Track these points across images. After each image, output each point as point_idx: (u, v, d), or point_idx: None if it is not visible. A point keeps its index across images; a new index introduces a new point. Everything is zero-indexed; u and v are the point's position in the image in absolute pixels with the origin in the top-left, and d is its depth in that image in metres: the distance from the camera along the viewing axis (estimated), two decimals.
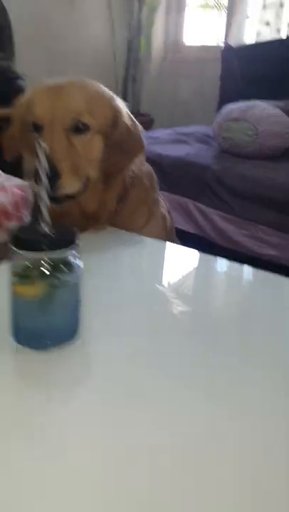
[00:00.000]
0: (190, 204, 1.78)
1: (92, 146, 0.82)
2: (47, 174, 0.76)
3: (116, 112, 0.83)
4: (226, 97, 2.81)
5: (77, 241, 0.52)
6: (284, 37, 2.74)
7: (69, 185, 0.77)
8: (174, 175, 1.81)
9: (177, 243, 1.11)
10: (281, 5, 2.72)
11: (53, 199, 0.78)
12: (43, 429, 0.43)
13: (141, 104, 3.13)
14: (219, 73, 2.87)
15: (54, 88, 0.83)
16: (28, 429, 0.43)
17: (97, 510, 0.36)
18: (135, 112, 3.06)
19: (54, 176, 0.74)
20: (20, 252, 0.51)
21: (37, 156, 0.50)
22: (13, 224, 1.74)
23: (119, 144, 0.83)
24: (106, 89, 0.86)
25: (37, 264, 0.51)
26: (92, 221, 0.88)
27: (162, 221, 1.02)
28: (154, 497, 0.37)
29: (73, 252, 0.52)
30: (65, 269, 0.52)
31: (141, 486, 0.38)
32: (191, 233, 1.73)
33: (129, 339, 0.57)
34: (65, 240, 0.52)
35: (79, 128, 0.80)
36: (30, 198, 1.82)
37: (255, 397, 0.48)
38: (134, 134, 0.86)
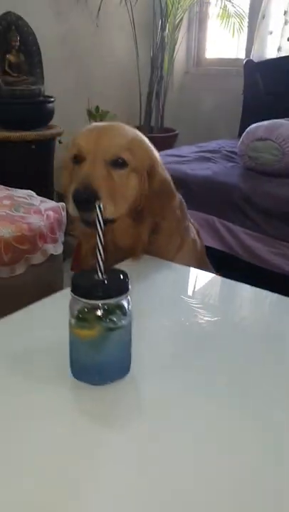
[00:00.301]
0: (217, 222, 1.83)
1: (128, 182, 0.88)
2: (87, 198, 0.82)
3: (153, 162, 0.91)
4: (249, 110, 2.85)
5: (129, 287, 0.58)
6: None
7: (107, 209, 0.83)
8: (202, 193, 1.86)
9: (208, 263, 1.16)
10: None
11: (89, 223, 0.85)
12: (92, 459, 0.48)
13: (165, 119, 3.19)
14: (241, 86, 2.92)
15: (98, 127, 0.92)
16: (83, 460, 0.47)
17: None
18: (160, 127, 3.14)
19: (94, 198, 0.81)
20: (79, 298, 0.57)
21: (97, 217, 0.56)
22: (48, 245, 1.81)
23: (157, 193, 0.90)
24: (145, 138, 0.94)
25: (93, 309, 0.57)
26: (126, 254, 0.94)
27: (193, 246, 1.07)
28: None
29: (127, 297, 0.58)
30: (118, 313, 0.58)
31: None
32: (219, 250, 1.77)
33: (177, 372, 0.62)
34: (119, 288, 0.57)
35: (118, 163, 0.87)
36: (64, 220, 1.89)
37: None
38: (168, 184, 0.94)
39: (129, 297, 0.59)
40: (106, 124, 0.94)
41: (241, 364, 0.64)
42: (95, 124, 0.94)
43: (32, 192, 1.85)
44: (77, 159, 0.89)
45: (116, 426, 0.54)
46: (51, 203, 1.78)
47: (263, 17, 2.87)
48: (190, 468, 0.47)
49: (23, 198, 1.77)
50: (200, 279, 0.93)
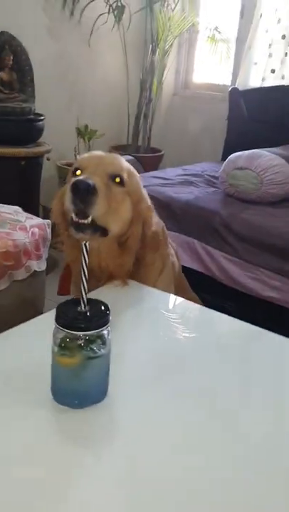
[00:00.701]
0: (197, 245, 1.90)
1: (123, 202, 0.92)
2: (86, 187, 0.83)
3: (142, 198, 0.96)
4: (233, 135, 2.96)
5: (109, 319, 0.64)
6: (287, 83, 2.89)
7: (101, 205, 0.84)
8: (184, 217, 1.94)
9: (185, 281, 1.22)
10: (286, 54, 2.88)
11: (77, 227, 0.86)
12: (76, 479, 0.52)
13: (151, 140, 3.28)
14: (225, 110, 3.03)
15: (100, 152, 0.97)
16: (62, 480, 0.51)
17: None
18: (146, 147, 3.22)
19: (91, 190, 0.83)
20: (62, 328, 0.62)
21: (82, 253, 0.62)
22: (32, 262, 1.85)
23: (145, 236, 0.95)
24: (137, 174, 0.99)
25: (75, 339, 0.63)
26: (111, 277, 0.99)
27: (172, 268, 1.13)
28: None
29: (107, 328, 0.64)
30: (98, 342, 0.63)
31: None
32: (199, 272, 1.84)
33: (154, 393, 0.67)
34: (100, 319, 0.63)
35: (117, 182, 0.91)
36: (49, 236, 1.93)
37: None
38: (157, 234, 0.97)
39: (109, 328, 0.64)
40: (101, 153, 0.98)
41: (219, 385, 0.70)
42: (96, 151, 1.00)
43: (19, 208, 1.90)
44: (77, 171, 0.92)
45: (94, 447, 0.58)
46: (37, 220, 1.82)
47: (249, 47, 3.00)
48: (168, 486, 0.52)
49: (10, 213, 1.81)
50: (178, 305, 0.99)
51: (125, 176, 0.92)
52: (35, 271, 1.72)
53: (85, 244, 0.63)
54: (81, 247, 0.63)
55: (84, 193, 0.83)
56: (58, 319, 0.62)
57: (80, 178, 0.85)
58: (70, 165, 2.84)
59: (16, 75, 2.35)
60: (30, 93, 2.38)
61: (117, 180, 0.91)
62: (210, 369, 0.75)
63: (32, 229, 1.74)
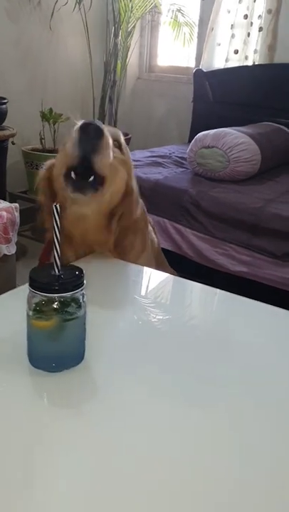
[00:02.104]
0: (168, 224, 1.91)
1: (121, 166, 0.89)
2: (95, 125, 0.82)
3: (131, 168, 0.95)
4: (199, 117, 2.98)
5: (84, 282, 0.64)
6: (251, 63, 2.93)
7: (108, 154, 0.82)
8: (153, 197, 1.94)
9: (164, 259, 1.23)
10: (248, 35, 2.91)
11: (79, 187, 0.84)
12: (53, 442, 0.51)
13: (118, 124, 3.26)
14: (190, 93, 3.04)
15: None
16: (40, 443, 0.51)
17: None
18: None
19: (101, 132, 0.80)
20: (37, 292, 0.62)
21: (54, 217, 0.61)
22: (1, 246, 1.82)
23: (128, 200, 0.93)
24: None
25: (50, 302, 0.62)
26: (90, 249, 0.98)
27: (152, 245, 1.13)
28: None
29: (81, 292, 0.64)
30: (73, 306, 0.63)
31: (139, 496, 0.46)
32: (171, 251, 1.86)
33: (127, 358, 0.68)
34: (74, 282, 0.63)
35: (115, 145, 0.89)
36: (18, 220, 1.91)
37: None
38: (137, 195, 0.97)
39: (84, 291, 0.64)
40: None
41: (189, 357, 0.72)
42: None
43: None
44: None
45: (73, 407, 0.58)
46: (4, 203, 1.79)
47: (212, 29, 3.01)
48: (144, 443, 0.53)
49: None
50: (157, 279, 0.99)
51: (122, 144, 0.92)
52: (4, 255, 1.69)
53: (55, 206, 0.62)
54: (52, 210, 0.63)
55: (93, 134, 0.80)
56: (33, 283, 0.62)
57: (88, 120, 0.82)
58: (35, 150, 2.79)
59: None
60: None
61: (116, 143, 0.89)
62: (185, 334, 0.76)
63: (0, 212, 1.71)
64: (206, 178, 2.05)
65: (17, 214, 1.78)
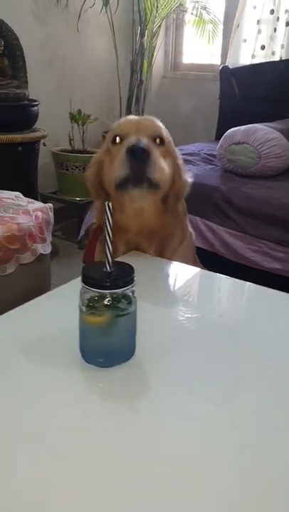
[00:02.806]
0: (199, 222, 1.91)
1: (166, 161, 0.94)
2: (142, 148, 0.86)
3: (176, 154, 1.00)
4: (226, 114, 2.97)
5: (134, 278, 0.65)
6: (278, 59, 2.89)
7: (155, 165, 0.87)
8: None
9: (197, 258, 1.24)
10: (275, 30, 2.87)
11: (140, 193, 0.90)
12: (104, 437, 0.52)
13: None
14: (217, 90, 3.02)
15: (135, 117, 1.00)
16: (91, 438, 0.51)
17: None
18: None
19: (147, 152, 0.86)
20: (89, 288, 0.64)
21: (106, 215, 0.63)
22: (37, 245, 1.86)
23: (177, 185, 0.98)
24: None
25: (102, 298, 0.64)
26: (145, 239, 1.01)
27: (190, 239, 1.14)
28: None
29: (132, 288, 0.65)
30: (124, 302, 0.65)
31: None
32: (203, 249, 1.86)
33: (178, 355, 0.69)
34: (125, 279, 0.64)
35: (158, 143, 0.94)
36: (52, 220, 1.94)
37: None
38: (186, 181, 1.02)
39: (134, 287, 0.65)
40: (140, 116, 1.02)
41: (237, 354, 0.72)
42: (130, 115, 1.02)
43: (19, 193, 1.90)
44: (118, 139, 0.93)
45: (124, 402, 0.59)
46: (39, 204, 1.83)
47: (238, 26, 2.99)
48: (193, 435, 0.53)
49: (11, 199, 1.82)
50: (200, 277, 1.00)
51: (164, 135, 0.96)
52: (40, 254, 1.72)
53: (108, 205, 0.64)
54: (105, 209, 0.64)
55: (141, 155, 0.86)
56: (85, 279, 0.64)
57: (133, 141, 0.87)
58: (64, 151, 2.83)
59: (7, 61, 2.33)
60: (23, 79, 2.37)
61: (157, 141, 0.93)
62: (239, 330, 0.76)
63: (35, 212, 1.75)
64: (236, 174, 2.04)
65: (51, 214, 1.81)
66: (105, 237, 0.64)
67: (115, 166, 0.90)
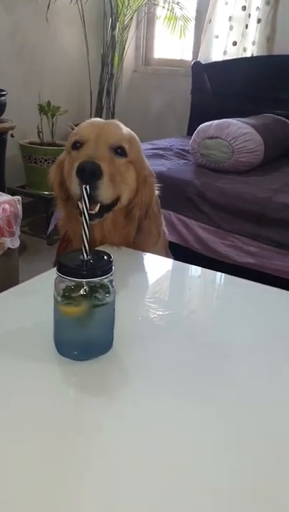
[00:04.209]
0: (173, 216, 1.89)
1: (127, 172, 0.90)
2: (92, 169, 0.82)
3: (144, 160, 0.95)
4: (197, 110, 2.96)
5: (113, 267, 0.62)
6: (249, 55, 2.91)
7: (106, 189, 0.83)
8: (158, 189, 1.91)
9: (169, 253, 1.22)
10: (246, 26, 2.89)
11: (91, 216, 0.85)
12: (82, 431, 0.50)
13: (115, 117, 3.22)
14: (187, 86, 3.02)
15: (99, 120, 0.95)
16: (69, 432, 0.49)
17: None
18: None
19: (98, 173, 0.81)
20: (65, 277, 0.60)
21: (82, 196, 0.59)
22: (5, 239, 1.79)
23: (145, 192, 0.93)
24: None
25: (78, 287, 0.60)
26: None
27: (164, 239, 1.12)
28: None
29: (110, 277, 0.61)
30: (102, 292, 0.61)
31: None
32: (176, 244, 1.84)
33: (155, 347, 0.66)
34: (103, 267, 0.61)
35: (118, 152, 0.88)
36: (20, 214, 1.88)
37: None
38: (153, 184, 0.96)
39: (112, 277, 0.62)
40: (104, 120, 0.97)
41: (218, 342, 0.70)
42: (95, 118, 0.97)
43: None
44: (78, 145, 0.89)
45: (104, 395, 0.56)
46: (6, 197, 1.76)
47: (210, 21, 2.99)
48: (175, 426, 0.51)
49: None
50: (174, 268, 0.98)
51: (126, 145, 0.90)
52: (8, 248, 1.66)
53: (85, 188, 0.60)
54: (81, 194, 0.60)
55: (89, 178, 0.81)
56: (61, 268, 0.60)
57: (85, 161, 0.82)
58: (33, 143, 2.75)
59: None
60: None
61: (119, 150, 0.88)
62: (213, 323, 0.75)
63: (3, 205, 1.68)
64: (209, 169, 2.03)
65: (20, 207, 1.75)
66: (82, 221, 0.60)
67: (72, 177, 0.85)
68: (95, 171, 0.81)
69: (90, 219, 0.85)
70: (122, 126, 0.94)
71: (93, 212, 0.84)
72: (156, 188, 0.98)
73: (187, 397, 0.56)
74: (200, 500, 0.43)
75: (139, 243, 0.97)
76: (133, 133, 0.96)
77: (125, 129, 0.94)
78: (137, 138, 0.97)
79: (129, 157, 0.90)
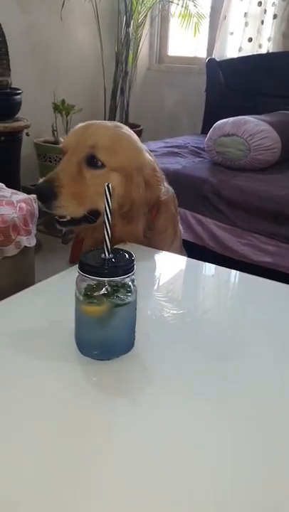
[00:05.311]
0: (188, 215, 1.88)
1: (106, 181, 0.87)
2: (44, 192, 0.85)
3: (140, 163, 0.90)
4: (212, 107, 2.93)
5: (134, 266, 0.61)
6: (265, 52, 2.87)
7: (65, 208, 0.85)
8: (173, 187, 1.90)
9: (184, 251, 1.21)
10: (262, 22, 2.85)
11: (58, 222, 0.89)
12: (104, 431, 0.49)
13: (129, 115, 3.22)
14: (202, 83, 2.99)
15: (84, 125, 0.92)
16: (91, 432, 0.49)
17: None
18: (124, 122, 3.16)
19: (51, 195, 0.83)
20: (87, 276, 0.59)
21: (105, 197, 0.58)
22: (21, 237, 1.80)
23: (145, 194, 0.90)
24: (135, 140, 0.93)
25: (99, 286, 0.59)
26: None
27: (180, 236, 1.10)
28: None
29: (132, 277, 0.60)
30: (123, 291, 0.60)
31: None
32: (191, 242, 1.82)
33: (177, 346, 0.65)
34: (125, 266, 0.60)
35: (94, 163, 0.86)
36: (36, 212, 1.88)
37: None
38: (153, 188, 0.92)
39: (134, 276, 0.61)
40: (90, 123, 0.93)
41: (235, 342, 0.69)
42: (89, 122, 0.93)
43: (2, 184, 1.83)
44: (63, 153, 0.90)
45: (125, 396, 0.56)
46: (23, 195, 1.76)
47: (225, 18, 2.96)
48: (195, 425, 0.51)
49: None
50: (194, 267, 0.97)
51: (102, 155, 0.86)
52: (25, 247, 1.66)
53: (107, 186, 0.59)
54: (104, 190, 0.59)
55: (45, 201, 0.85)
56: (83, 267, 0.59)
57: (41, 183, 0.85)
58: (48, 142, 2.75)
59: None
60: (6, 66, 2.28)
61: (95, 161, 0.86)
62: (233, 322, 0.75)
63: (19, 204, 1.68)
64: (225, 167, 2.01)
65: (36, 205, 1.75)
66: (104, 220, 0.60)
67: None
68: (49, 194, 0.84)
69: (61, 225, 0.89)
70: (106, 131, 0.90)
71: (64, 220, 0.88)
72: (161, 184, 0.95)
73: (207, 396, 0.56)
74: (213, 498, 0.42)
75: (154, 242, 0.96)
76: (123, 136, 0.91)
77: (106, 136, 0.89)
78: (132, 138, 0.92)
79: (110, 165, 0.87)
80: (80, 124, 0.93)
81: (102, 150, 0.86)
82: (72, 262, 1.03)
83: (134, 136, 0.94)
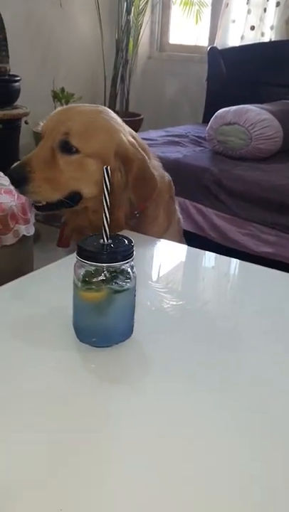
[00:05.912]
0: (189, 204, 1.86)
1: (82, 168, 0.85)
2: (17, 177, 0.84)
3: (121, 146, 0.86)
4: (213, 96, 2.90)
5: (134, 252, 0.59)
6: (267, 40, 2.83)
7: (38, 193, 0.84)
8: (173, 176, 1.88)
9: (183, 241, 1.19)
10: (265, 10, 2.81)
11: (35, 207, 0.89)
12: (102, 417, 0.49)
13: (130, 104, 3.18)
14: (203, 72, 2.95)
15: (63, 109, 0.91)
16: (92, 420, 0.48)
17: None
18: (125, 111, 3.13)
19: (22, 180, 0.83)
20: (85, 261, 0.58)
21: (104, 180, 0.57)
22: (20, 226, 1.78)
23: (135, 178, 0.88)
24: (112, 124, 0.88)
25: (98, 273, 0.58)
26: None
27: (177, 226, 1.08)
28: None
29: (131, 263, 0.59)
30: (122, 278, 0.59)
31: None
32: (192, 232, 1.81)
33: (175, 335, 0.64)
34: (123, 253, 0.58)
35: (68, 149, 0.84)
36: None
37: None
38: (143, 169, 0.89)
39: (132, 262, 0.60)
40: (68, 107, 0.91)
41: (230, 326, 0.67)
42: (67, 106, 0.93)
43: (1, 172, 1.81)
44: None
45: (123, 383, 0.55)
46: None
47: (227, 5, 2.92)
48: (192, 413, 0.50)
49: None
50: (192, 255, 0.95)
51: (76, 140, 0.84)
52: (23, 236, 1.65)
53: (106, 169, 0.58)
54: (103, 173, 0.58)
55: (17, 186, 0.84)
56: (81, 252, 0.58)
57: (13, 167, 0.84)
58: None
59: None
60: (4, 53, 2.25)
61: (68, 147, 0.84)
62: (234, 311, 0.74)
63: (17, 193, 1.67)
64: (226, 156, 1.99)
65: None
66: (104, 204, 0.58)
67: None
68: (20, 179, 0.83)
69: (38, 210, 0.89)
70: (81, 116, 0.87)
71: (39, 204, 0.87)
72: (149, 176, 0.91)
73: (206, 384, 0.55)
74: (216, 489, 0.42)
75: (142, 231, 0.93)
76: (101, 120, 0.88)
77: (81, 121, 0.86)
78: (110, 123, 0.88)
79: (85, 151, 0.84)
80: (59, 108, 0.91)
81: (76, 136, 0.84)
82: (58, 246, 1.02)
83: (114, 121, 0.89)
